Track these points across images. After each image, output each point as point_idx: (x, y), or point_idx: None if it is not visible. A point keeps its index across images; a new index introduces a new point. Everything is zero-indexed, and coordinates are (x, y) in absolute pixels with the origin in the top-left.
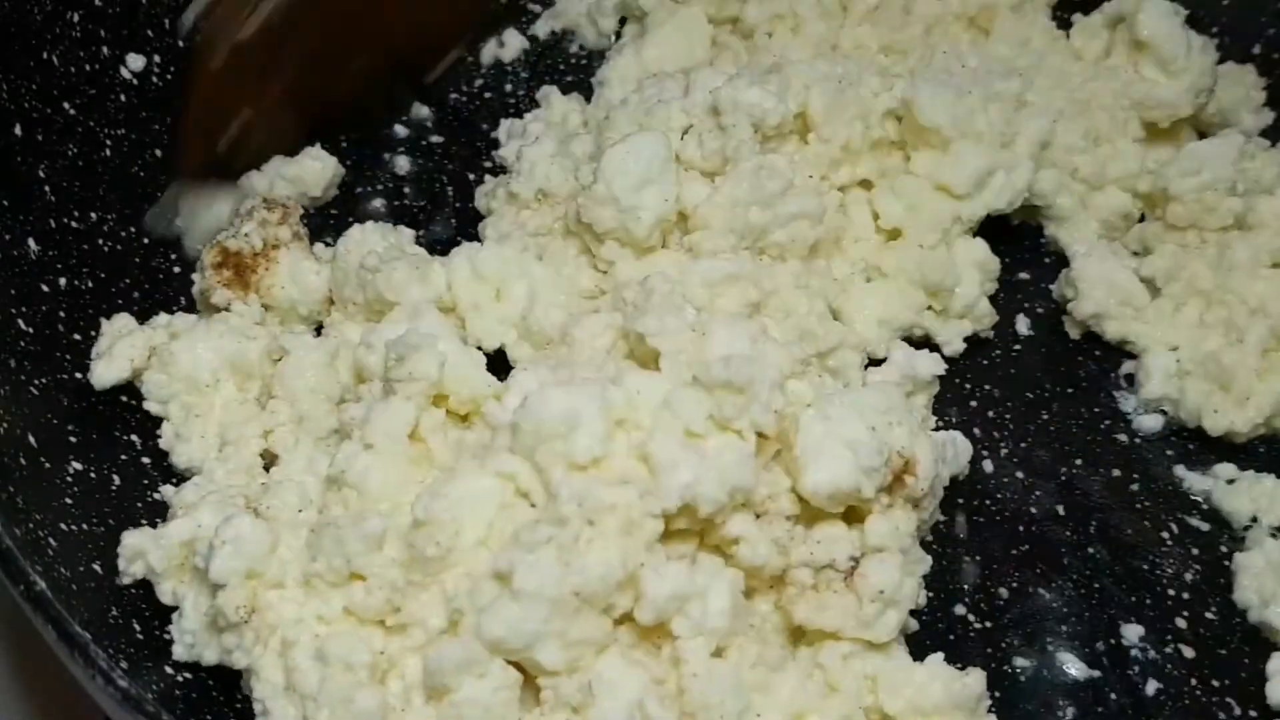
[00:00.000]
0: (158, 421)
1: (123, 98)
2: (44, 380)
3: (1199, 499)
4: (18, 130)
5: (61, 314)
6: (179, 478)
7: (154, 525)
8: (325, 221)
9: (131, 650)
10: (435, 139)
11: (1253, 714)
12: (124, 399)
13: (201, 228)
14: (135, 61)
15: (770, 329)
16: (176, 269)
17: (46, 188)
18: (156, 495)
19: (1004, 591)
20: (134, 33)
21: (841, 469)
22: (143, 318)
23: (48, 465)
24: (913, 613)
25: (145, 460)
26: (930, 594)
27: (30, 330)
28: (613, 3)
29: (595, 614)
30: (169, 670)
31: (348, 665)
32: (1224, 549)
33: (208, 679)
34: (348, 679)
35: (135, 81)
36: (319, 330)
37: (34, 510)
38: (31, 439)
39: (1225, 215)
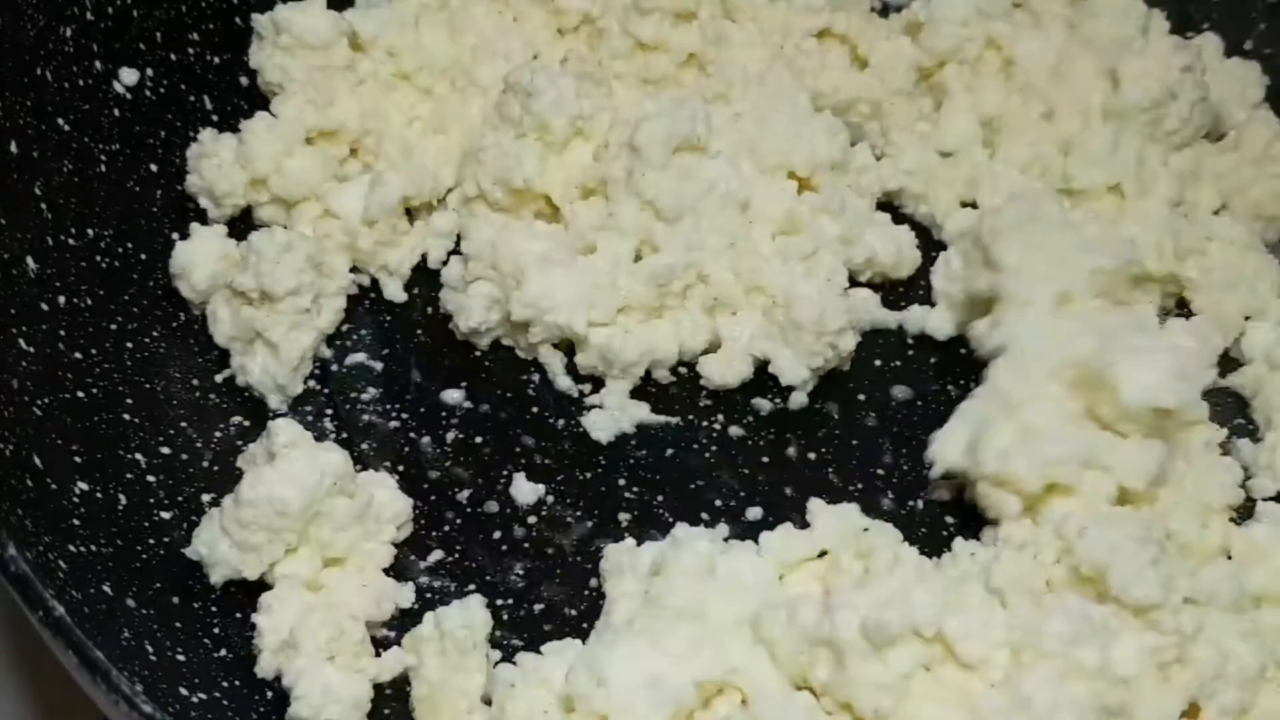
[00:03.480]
0: (160, 439)
1: (116, 112)
2: (46, 400)
3: None
4: (13, 147)
5: (62, 332)
6: (184, 499)
7: (160, 546)
8: None
9: (145, 673)
10: None
11: None
12: (125, 417)
13: None
14: (128, 76)
15: None
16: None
17: (43, 205)
18: (163, 514)
19: None
20: (126, 47)
21: None
22: (140, 334)
23: (54, 486)
24: None
25: (150, 479)
26: None
27: (31, 350)
28: None
29: None
30: (183, 692)
31: None
32: None
33: (222, 699)
34: None
35: (128, 96)
36: None
37: (43, 533)
38: (37, 460)
39: None
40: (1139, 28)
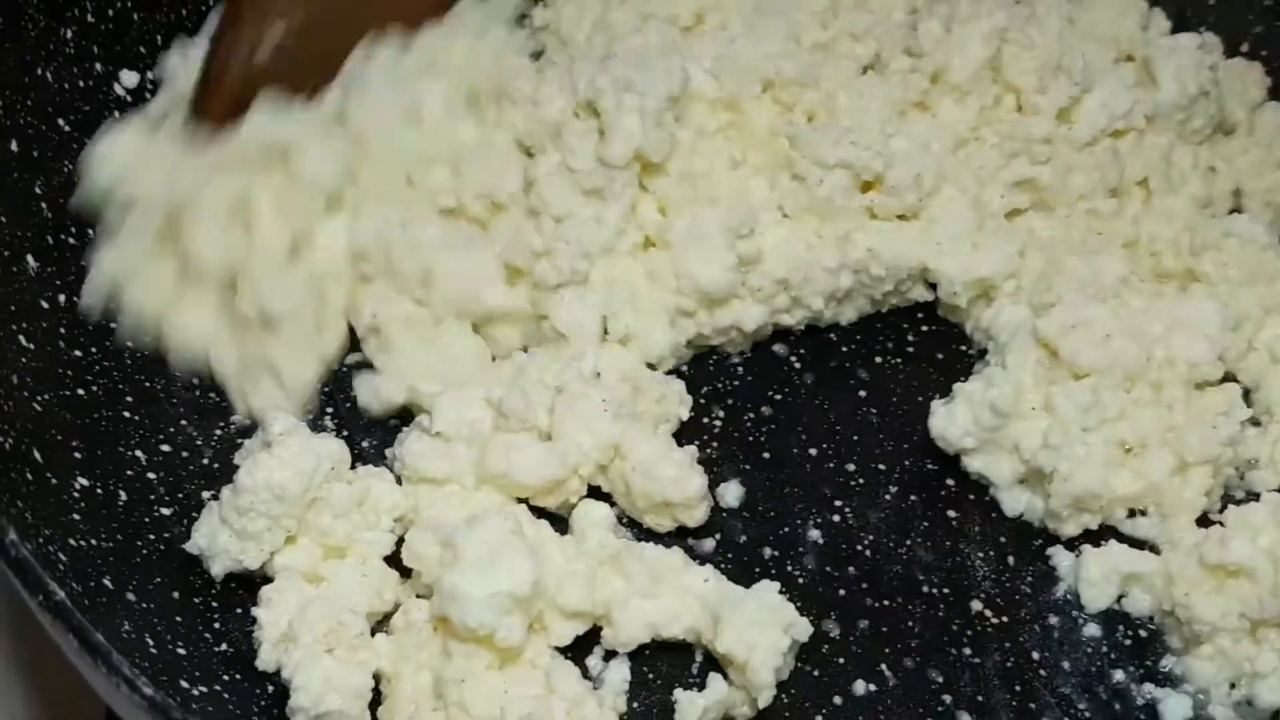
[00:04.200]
0: (160, 437)
1: (116, 114)
2: (46, 396)
3: None
4: (14, 146)
5: (61, 330)
6: (184, 495)
7: (161, 542)
8: None
9: (146, 665)
10: None
11: None
12: (125, 414)
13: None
14: (129, 78)
15: None
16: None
17: (43, 204)
18: (164, 510)
19: None
20: (127, 49)
21: None
22: None
23: (54, 481)
24: None
25: (150, 476)
26: None
27: (31, 346)
28: None
29: None
30: (184, 685)
31: None
32: None
33: (223, 693)
34: None
35: (129, 98)
36: None
37: (43, 526)
38: (37, 454)
39: None
40: (1140, 25)
